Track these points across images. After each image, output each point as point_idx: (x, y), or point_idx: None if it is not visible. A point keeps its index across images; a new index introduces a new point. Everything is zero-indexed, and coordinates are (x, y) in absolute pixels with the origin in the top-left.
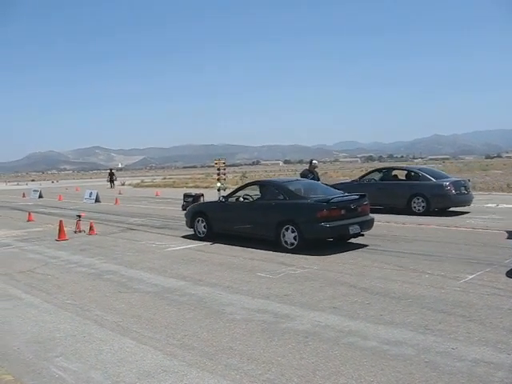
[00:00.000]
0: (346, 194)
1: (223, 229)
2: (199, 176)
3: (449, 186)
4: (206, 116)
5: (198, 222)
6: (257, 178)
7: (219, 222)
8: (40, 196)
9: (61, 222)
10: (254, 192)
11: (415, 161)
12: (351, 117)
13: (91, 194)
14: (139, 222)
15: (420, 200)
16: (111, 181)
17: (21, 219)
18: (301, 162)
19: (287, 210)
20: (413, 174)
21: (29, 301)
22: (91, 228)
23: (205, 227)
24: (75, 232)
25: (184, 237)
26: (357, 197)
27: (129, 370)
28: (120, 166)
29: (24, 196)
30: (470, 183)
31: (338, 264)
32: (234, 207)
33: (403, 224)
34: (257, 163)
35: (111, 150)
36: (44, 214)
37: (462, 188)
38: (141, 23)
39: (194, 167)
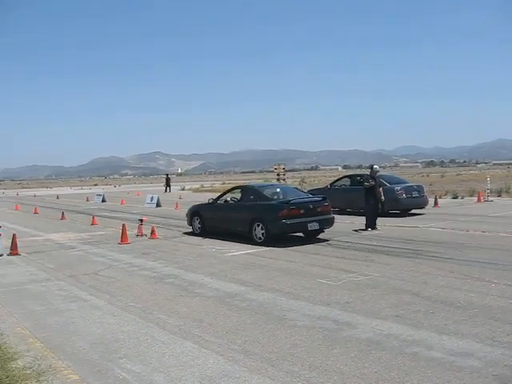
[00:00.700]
0: (309, 196)
1: (213, 226)
2: (258, 181)
3: (400, 190)
4: (265, 121)
5: (194, 220)
6: (316, 184)
7: (210, 220)
8: (103, 200)
9: (123, 225)
10: (237, 195)
11: (478, 166)
12: (412, 121)
13: (152, 198)
14: None
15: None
16: (167, 185)
17: (85, 223)
18: (360, 167)
19: (257, 209)
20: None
21: (93, 303)
22: (153, 232)
23: (199, 224)
24: (137, 236)
25: (243, 242)
26: (318, 199)
27: (191, 373)
28: (180, 170)
29: (88, 200)
30: (424, 188)
31: (399, 271)
32: (220, 208)
33: (467, 231)
34: (316, 168)
35: (171, 155)
36: (107, 217)
37: (415, 192)
38: (204, 25)
39: (253, 172)
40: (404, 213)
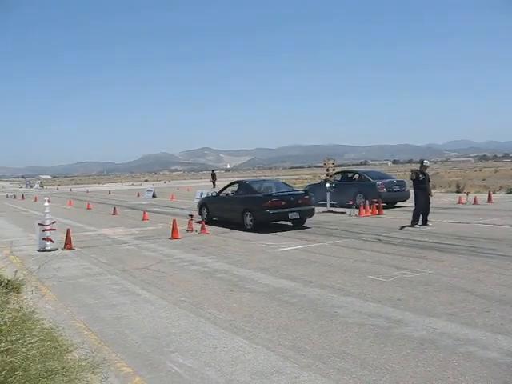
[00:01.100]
0: (291, 190)
1: (216, 215)
2: (307, 176)
3: (380, 185)
4: (314, 116)
5: (203, 210)
6: None
7: (214, 210)
8: (153, 196)
9: (174, 221)
10: (235, 189)
11: None
12: (463, 115)
13: (202, 193)
14: None
15: (361, 196)
16: (213, 181)
17: (136, 218)
18: (410, 161)
19: (247, 201)
20: (358, 175)
21: (145, 297)
22: (203, 227)
23: (206, 213)
24: (187, 231)
25: (293, 237)
26: (299, 192)
27: (242, 369)
28: (228, 166)
29: (138, 196)
30: (406, 183)
31: (452, 268)
32: (221, 200)
33: None
34: (365, 163)
35: (220, 151)
36: (157, 213)
37: (396, 187)
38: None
39: (301, 167)
40: (389, 205)
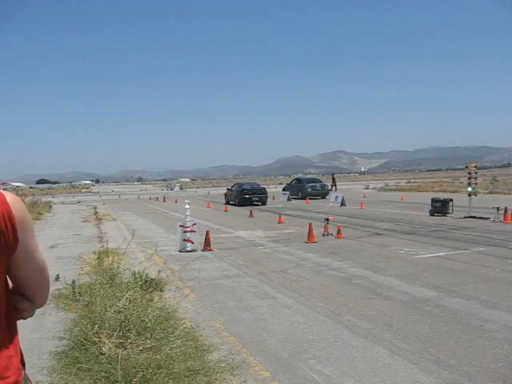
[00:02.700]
0: (256, 186)
1: (231, 200)
2: (445, 179)
3: (307, 186)
4: (453, 116)
5: (225, 197)
6: (509, 182)
7: (228, 198)
8: (288, 199)
9: (310, 224)
10: (234, 187)
11: None
12: None
13: (337, 197)
14: (386, 226)
15: (300, 193)
16: (334, 184)
17: (272, 221)
18: None
19: (235, 192)
20: (300, 180)
21: (282, 300)
22: (339, 232)
23: (225, 199)
24: (323, 235)
25: (432, 244)
26: (261, 187)
27: (382, 381)
28: (363, 169)
29: (274, 199)
30: (326, 185)
31: None
32: (230, 191)
33: None
34: (507, 165)
35: (354, 154)
36: (292, 216)
37: (318, 187)
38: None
39: (439, 170)
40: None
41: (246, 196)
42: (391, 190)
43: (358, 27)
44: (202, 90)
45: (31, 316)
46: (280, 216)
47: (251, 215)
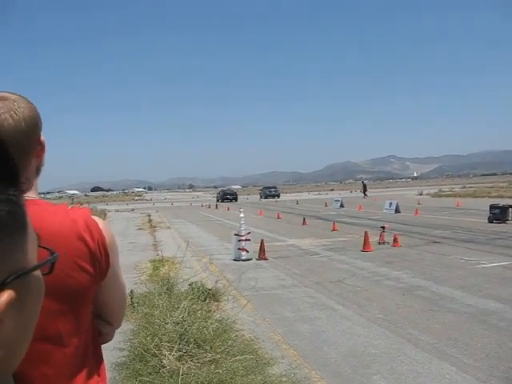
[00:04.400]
0: (231, 191)
1: (218, 199)
2: (501, 184)
3: (264, 190)
4: (505, 118)
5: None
6: None
7: (217, 197)
8: (341, 205)
9: (366, 233)
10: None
11: None
12: None
13: (391, 204)
14: (443, 234)
15: (264, 195)
16: (364, 191)
17: (325, 228)
18: None
19: (220, 194)
20: (265, 187)
21: (341, 312)
22: (395, 240)
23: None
24: (379, 243)
25: (494, 252)
26: (234, 192)
27: None
28: (415, 174)
29: (326, 205)
30: (278, 189)
31: None
32: (218, 194)
33: None
34: None
35: (406, 159)
36: (346, 223)
37: (272, 191)
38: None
39: (494, 175)
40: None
41: (226, 197)
42: (446, 195)
43: (414, 36)
44: (252, 98)
45: (111, 340)
46: (334, 224)
47: (304, 223)
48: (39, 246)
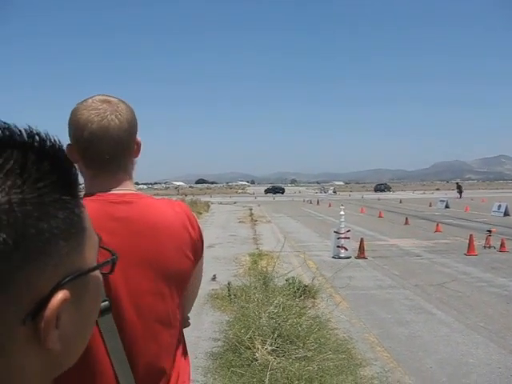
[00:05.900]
0: (282, 187)
1: (267, 192)
2: None
3: (267, 190)
4: None
5: None
6: None
7: (266, 191)
8: (446, 206)
9: (471, 236)
10: None
11: None
12: None
13: (500, 206)
14: None
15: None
16: (459, 192)
17: (428, 229)
18: None
19: (271, 188)
20: (273, 186)
21: (440, 317)
22: (502, 244)
23: None
24: (484, 247)
25: None
26: (281, 188)
27: None
28: None
29: (430, 205)
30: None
31: None
32: (268, 189)
33: None
34: None
35: None
36: (451, 225)
37: (276, 189)
38: None
39: None
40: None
41: (274, 190)
42: None
43: None
44: (355, 94)
45: (189, 326)
46: (437, 225)
47: (407, 222)
48: (101, 247)
